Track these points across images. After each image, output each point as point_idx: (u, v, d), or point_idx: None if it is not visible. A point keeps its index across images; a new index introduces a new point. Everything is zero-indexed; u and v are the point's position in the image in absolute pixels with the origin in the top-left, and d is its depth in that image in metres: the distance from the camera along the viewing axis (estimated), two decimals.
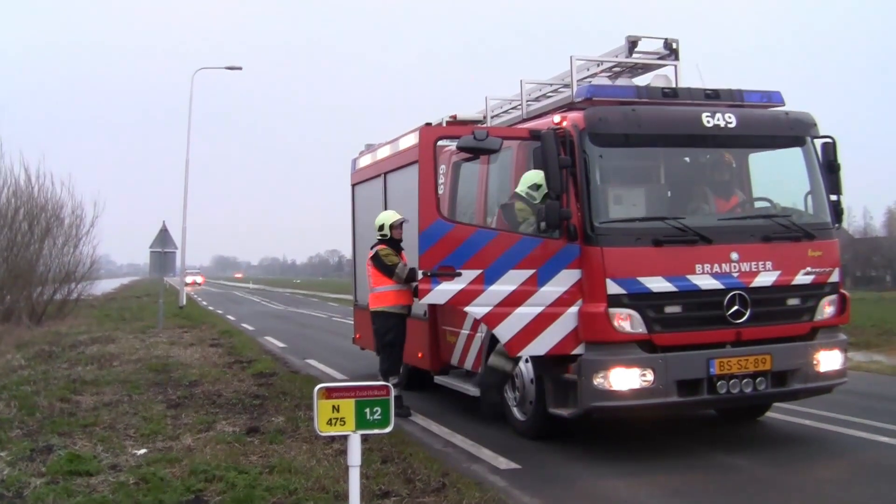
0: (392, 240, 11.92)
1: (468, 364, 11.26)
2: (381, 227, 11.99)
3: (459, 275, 9.06)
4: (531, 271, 9.05)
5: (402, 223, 11.84)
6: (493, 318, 9.13)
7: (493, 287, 9.06)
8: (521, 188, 9.76)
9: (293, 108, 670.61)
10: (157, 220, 30.11)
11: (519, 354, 9.25)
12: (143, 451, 9.25)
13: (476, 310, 9.20)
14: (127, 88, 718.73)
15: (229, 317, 36.62)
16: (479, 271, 9.06)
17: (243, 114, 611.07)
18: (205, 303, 52.52)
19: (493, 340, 10.21)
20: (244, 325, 30.82)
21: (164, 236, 26.64)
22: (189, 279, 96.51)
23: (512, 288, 9.06)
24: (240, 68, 42.72)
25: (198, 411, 11.51)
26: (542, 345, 9.03)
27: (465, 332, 11.24)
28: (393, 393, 6.25)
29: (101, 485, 7.93)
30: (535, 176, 9.50)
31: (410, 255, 11.93)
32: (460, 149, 9.59)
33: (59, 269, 33.16)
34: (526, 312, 9.04)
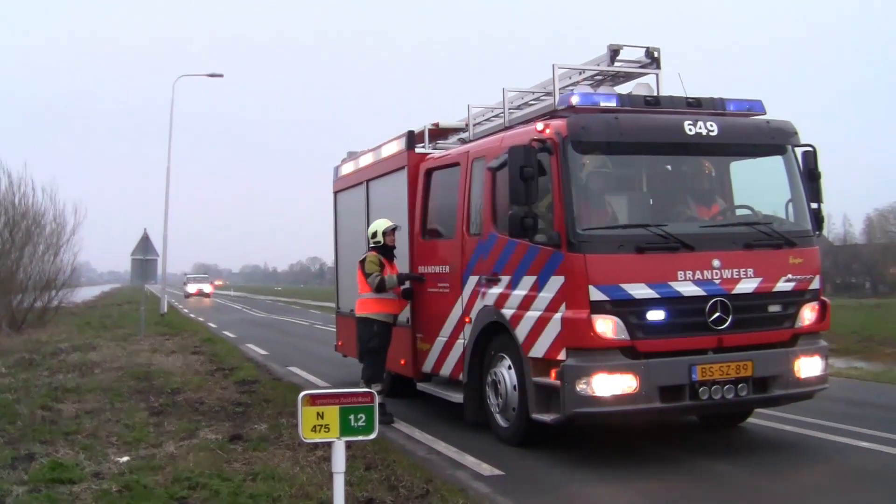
0: (385, 247, 11.94)
1: (445, 371, 11.32)
2: (374, 235, 12.00)
3: (499, 280, 9.79)
4: (534, 277, 9.34)
5: (394, 229, 11.88)
6: (514, 320, 9.60)
7: (516, 291, 9.61)
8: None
9: (275, 115, 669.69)
10: (137, 228, 29.98)
11: (529, 355, 9.34)
12: (125, 458, 9.22)
13: (506, 312, 9.72)
14: (108, 94, 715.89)
15: (211, 324, 36.47)
16: (509, 277, 9.73)
17: (224, 121, 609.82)
18: (186, 310, 52.29)
19: (475, 347, 10.30)
20: (226, 333, 30.71)
21: (145, 244, 26.49)
22: (192, 287, 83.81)
23: (524, 293, 9.48)
24: (221, 76, 42.84)
25: (180, 419, 11.49)
26: (540, 348, 9.21)
27: (441, 339, 11.32)
28: (377, 400, 6.26)
29: (83, 493, 7.91)
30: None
31: (402, 262, 12.02)
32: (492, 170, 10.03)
33: (39, 277, 32.99)
34: (531, 316, 9.36)
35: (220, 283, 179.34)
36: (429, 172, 11.95)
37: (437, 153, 12.35)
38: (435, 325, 11.39)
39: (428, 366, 11.82)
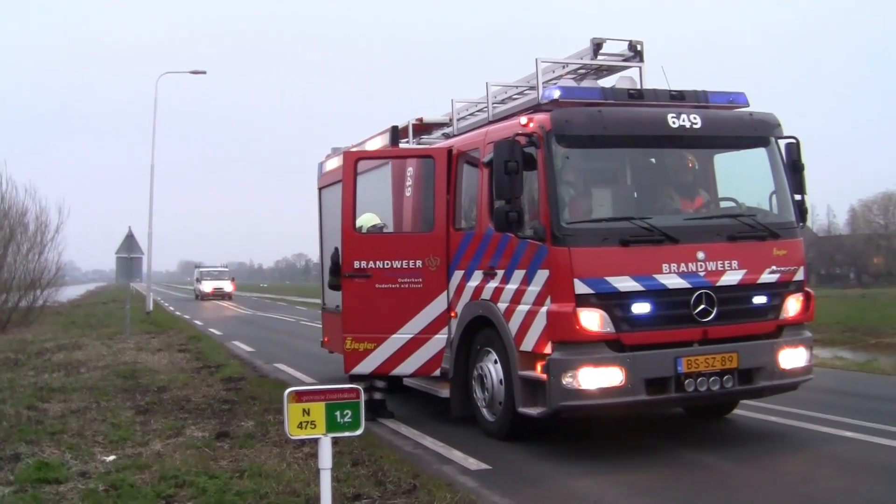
0: None
1: (405, 370, 11.06)
2: (359, 230, 11.86)
3: (495, 274, 9.77)
4: (524, 271, 9.35)
5: (380, 229, 11.67)
6: (507, 314, 9.55)
7: (509, 286, 9.58)
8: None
9: (259, 112, 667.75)
10: (122, 226, 30.02)
11: (521, 349, 9.36)
12: (112, 457, 9.20)
13: (501, 306, 9.68)
14: (90, 93, 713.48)
15: (196, 322, 36.41)
16: (503, 271, 9.68)
17: (209, 118, 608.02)
18: (172, 308, 52.18)
19: (461, 340, 10.30)
20: (212, 330, 30.65)
21: (130, 241, 26.42)
22: (206, 286, 67.63)
23: (515, 287, 9.48)
24: (204, 72, 42.66)
25: (167, 417, 11.47)
26: (530, 341, 9.22)
27: (402, 336, 10.92)
28: (363, 396, 6.26)
29: (70, 492, 7.90)
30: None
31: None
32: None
33: (23, 276, 32.92)
34: (521, 310, 9.34)
35: None
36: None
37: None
38: (389, 322, 10.92)
39: (367, 367, 11.08)
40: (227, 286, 68.16)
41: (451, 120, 12.33)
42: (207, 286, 67.40)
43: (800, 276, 9.76)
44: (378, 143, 12.96)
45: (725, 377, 9.13)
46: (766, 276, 9.50)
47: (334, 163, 15.25)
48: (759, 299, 9.51)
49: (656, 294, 9.03)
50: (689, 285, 9.11)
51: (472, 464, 8.96)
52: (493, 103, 11.35)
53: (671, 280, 9.07)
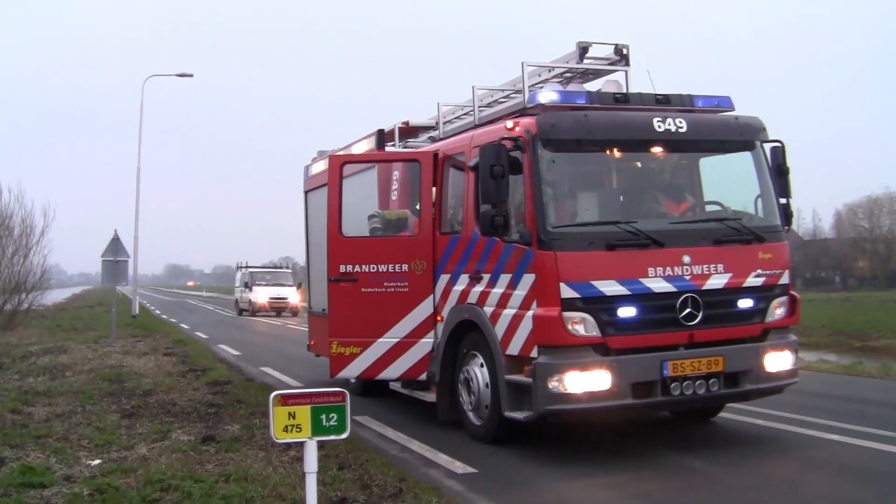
0: None
1: (391, 374, 11.09)
2: None
3: (481, 279, 9.76)
4: (510, 275, 9.36)
5: None
6: (494, 318, 9.55)
7: (495, 289, 9.58)
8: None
9: (246, 113, 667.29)
10: (107, 229, 29.66)
11: (508, 353, 9.36)
12: (97, 461, 9.16)
13: (487, 310, 9.67)
14: (77, 94, 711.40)
15: (183, 325, 36.32)
16: (489, 275, 9.68)
17: (195, 121, 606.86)
18: (158, 311, 52.03)
19: (447, 344, 10.30)
20: (198, 334, 30.59)
21: (115, 245, 26.30)
22: (260, 294, 45.44)
23: (502, 291, 9.47)
24: (191, 75, 42.59)
25: (152, 420, 11.42)
26: (516, 345, 9.22)
27: (388, 340, 10.93)
28: (348, 399, 6.25)
29: (55, 497, 7.85)
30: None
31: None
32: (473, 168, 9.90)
33: (8, 280, 32.65)
34: (508, 314, 9.34)
35: (193, 283, 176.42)
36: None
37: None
38: (375, 326, 10.91)
39: (353, 371, 11.13)
40: (293, 295, 45.24)
41: (437, 123, 12.34)
42: (261, 294, 45.39)
43: (785, 279, 9.79)
44: (364, 147, 12.96)
45: (711, 381, 9.15)
46: (752, 280, 9.52)
47: (320, 166, 15.24)
48: (745, 303, 9.54)
49: (642, 298, 9.04)
50: (674, 289, 9.13)
51: (459, 467, 8.95)
52: (480, 107, 11.38)
53: (657, 284, 9.08)
